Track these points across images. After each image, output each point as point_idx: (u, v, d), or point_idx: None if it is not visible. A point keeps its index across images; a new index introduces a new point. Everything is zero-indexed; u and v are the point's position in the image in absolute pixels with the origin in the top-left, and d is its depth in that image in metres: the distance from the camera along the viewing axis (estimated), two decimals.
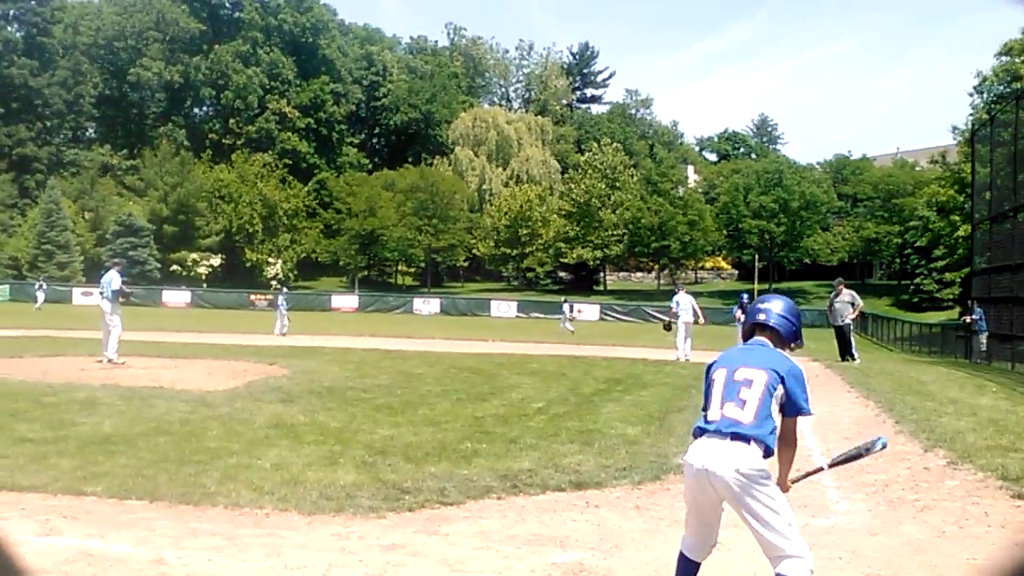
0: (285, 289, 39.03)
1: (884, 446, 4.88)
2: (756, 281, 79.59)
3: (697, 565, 4.72)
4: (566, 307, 47.28)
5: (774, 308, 4.82)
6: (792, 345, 4.82)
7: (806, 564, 4.28)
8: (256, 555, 5.84)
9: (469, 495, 7.55)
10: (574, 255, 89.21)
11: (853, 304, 23.72)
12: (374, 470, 8.33)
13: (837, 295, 23.75)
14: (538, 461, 8.94)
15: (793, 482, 4.75)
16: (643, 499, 7.74)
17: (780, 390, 4.45)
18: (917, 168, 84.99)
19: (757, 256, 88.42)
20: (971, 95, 48.28)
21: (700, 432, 4.50)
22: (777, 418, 4.47)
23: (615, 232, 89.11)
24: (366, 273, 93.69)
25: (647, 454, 9.50)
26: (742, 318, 23.63)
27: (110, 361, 17.69)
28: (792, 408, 4.51)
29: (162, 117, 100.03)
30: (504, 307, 68.09)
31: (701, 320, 24.75)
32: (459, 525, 6.74)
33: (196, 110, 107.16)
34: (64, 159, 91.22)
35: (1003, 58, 43.84)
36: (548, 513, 7.18)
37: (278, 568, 5.58)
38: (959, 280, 55.16)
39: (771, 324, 4.77)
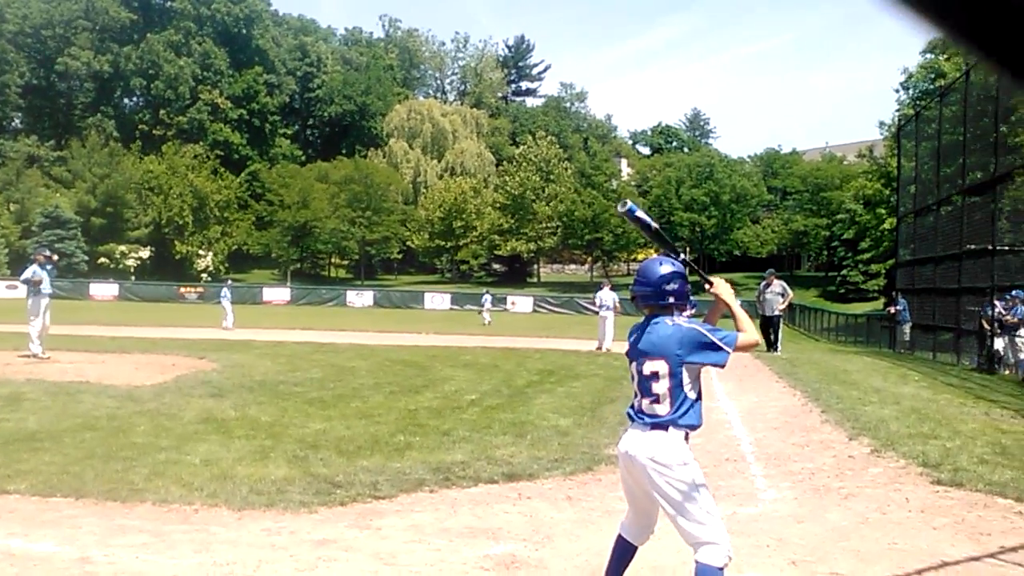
0: (229, 281, 38.19)
1: (624, 206, 4.77)
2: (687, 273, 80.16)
3: (632, 547, 4.81)
4: (486, 299, 47.56)
5: (647, 281, 4.67)
6: (682, 304, 4.73)
7: (722, 551, 4.34)
8: (185, 552, 5.78)
9: (401, 488, 7.54)
10: (508, 247, 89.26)
11: (783, 295, 24.08)
12: (305, 464, 8.28)
13: (768, 285, 24.07)
14: (471, 453, 8.98)
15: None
16: (575, 490, 7.80)
17: (685, 371, 4.47)
18: (845, 162, 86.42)
19: (688, 248, 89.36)
20: (897, 91, 49.23)
21: (629, 418, 4.64)
22: (693, 393, 4.49)
23: (549, 224, 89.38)
24: (298, 265, 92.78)
25: (579, 445, 9.57)
26: None
27: (34, 356, 17.35)
28: (715, 363, 4.50)
29: (91, 107, 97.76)
30: (438, 299, 67.88)
31: (614, 313, 25.03)
32: (391, 519, 6.73)
33: (126, 100, 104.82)
34: None
35: (928, 55, 44.75)
36: (481, 505, 7.21)
37: (207, 565, 5.53)
38: (884, 272, 56.22)
39: (650, 303, 4.69)
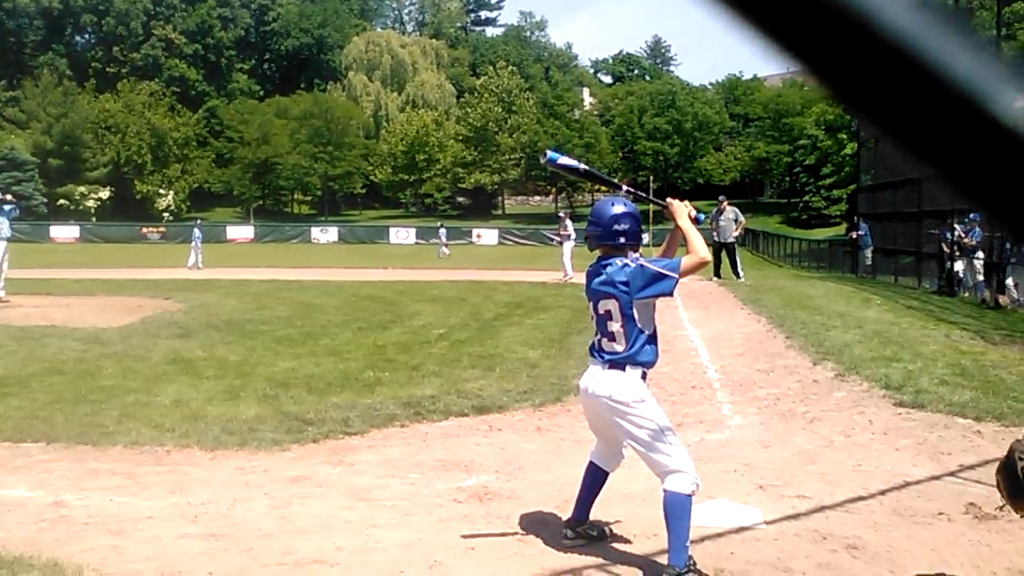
0: (200, 221, 37.66)
1: (545, 157, 4.77)
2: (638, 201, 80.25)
3: (603, 473, 4.95)
4: (442, 232, 47.70)
5: (599, 222, 4.72)
6: (635, 245, 4.74)
7: (689, 478, 4.45)
8: (159, 493, 5.80)
9: (373, 424, 7.59)
10: (472, 180, 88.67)
11: (737, 220, 24.02)
12: (276, 403, 8.30)
13: (720, 212, 23.93)
14: (441, 387, 9.03)
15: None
16: (544, 421, 7.89)
17: (636, 308, 4.52)
18: (806, 88, 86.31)
19: (652, 177, 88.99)
20: None
21: (590, 354, 4.75)
22: (647, 330, 4.56)
23: (512, 156, 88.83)
24: (261, 203, 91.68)
25: (547, 376, 9.65)
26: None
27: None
28: (663, 292, 4.52)
29: (42, 45, 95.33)
30: (403, 234, 67.60)
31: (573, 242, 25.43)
32: (364, 454, 6.79)
33: (78, 38, 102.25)
34: None
35: None
36: (452, 439, 7.28)
37: (182, 505, 5.56)
38: (846, 197, 56.54)
39: (603, 243, 4.74)
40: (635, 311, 4.52)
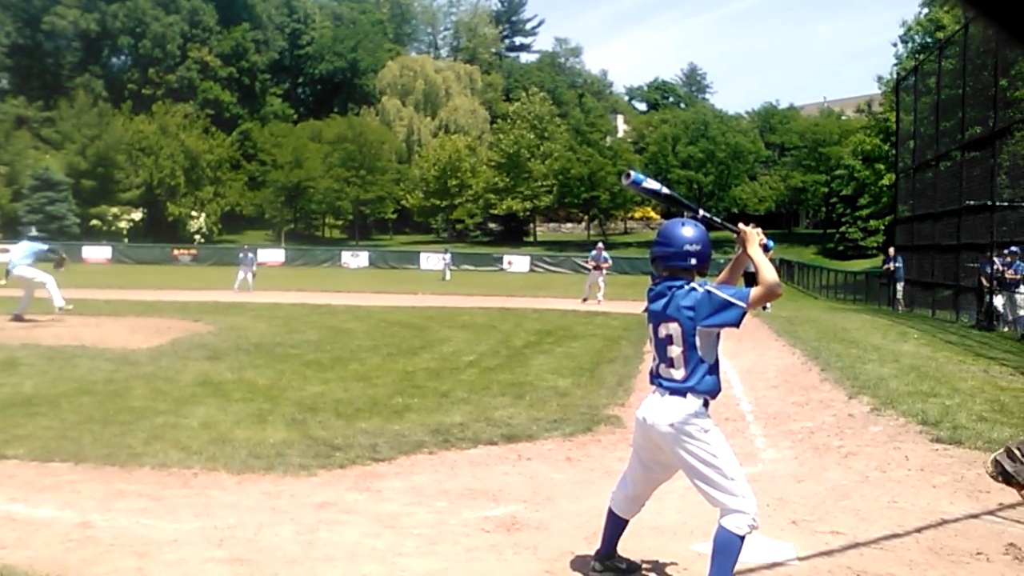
0: (254, 248, 37.90)
1: (628, 178, 4.55)
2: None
3: (624, 521, 4.79)
4: (446, 257, 48.19)
5: (669, 242, 4.50)
6: (703, 269, 4.54)
7: (747, 519, 4.26)
8: (185, 516, 5.76)
9: (401, 451, 7.53)
10: (504, 206, 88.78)
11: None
12: (304, 427, 8.27)
13: None
14: (470, 415, 8.97)
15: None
16: (574, 451, 7.80)
17: (699, 336, 4.37)
18: (843, 118, 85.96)
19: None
20: (896, 45, 49.14)
21: (650, 381, 4.60)
22: (709, 359, 4.41)
23: (545, 183, 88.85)
24: (292, 226, 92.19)
25: (578, 406, 9.57)
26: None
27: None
28: (730, 321, 4.33)
29: (79, 67, 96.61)
30: (433, 259, 67.49)
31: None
32: (391, 481, 6.72)
33: (114, 59, 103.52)
34: None
35: (927, 9, 44.53)
36: (480, 467, 7.21)
37: (208, 529, 5.51)
38: (883, 228, 56.08)
39: (671, 265, 4.52)
40: (697, 339, 4.36)
